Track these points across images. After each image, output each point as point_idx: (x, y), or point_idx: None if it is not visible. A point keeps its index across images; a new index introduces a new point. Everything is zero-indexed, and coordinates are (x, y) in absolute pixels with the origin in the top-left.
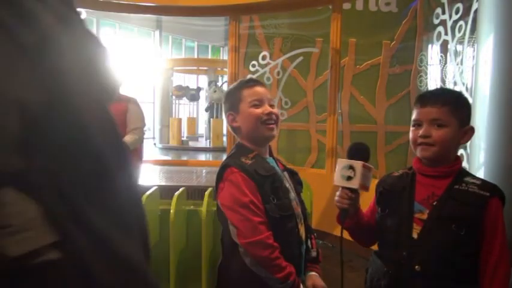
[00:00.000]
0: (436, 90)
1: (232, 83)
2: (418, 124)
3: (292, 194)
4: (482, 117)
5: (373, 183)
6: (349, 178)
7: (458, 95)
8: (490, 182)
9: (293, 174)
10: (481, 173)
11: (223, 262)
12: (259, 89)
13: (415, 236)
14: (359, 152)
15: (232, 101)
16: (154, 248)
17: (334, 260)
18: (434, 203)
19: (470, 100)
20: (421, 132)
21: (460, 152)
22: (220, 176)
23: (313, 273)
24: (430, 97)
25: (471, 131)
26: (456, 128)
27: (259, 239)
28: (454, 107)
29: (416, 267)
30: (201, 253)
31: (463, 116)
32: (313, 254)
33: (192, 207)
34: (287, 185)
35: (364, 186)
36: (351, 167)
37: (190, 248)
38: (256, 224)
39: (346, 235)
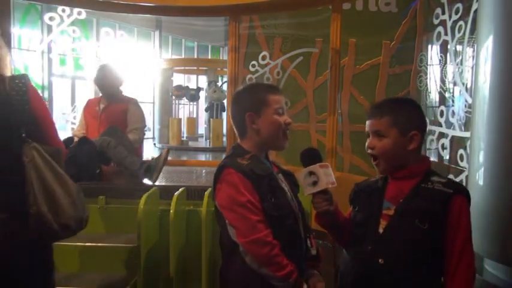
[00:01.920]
0: (381, 101)
1: (246, 84)
2: (368, 135)
3: (289, 195)
4: (481, 118)
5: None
6: (314, 183)
7: (398, 104)
8: (456, 181)
9: (289, 176)
10: (480, 173)
11: (223, 265)
12: (281, 97)
13: (381, 231)
14: (312, 156)
15: (255, 102)
16: (155, 247)
17: (333, 260)
18: (401, 200)
19: (470, 100)
20: (366, 144)
21: (460, 152)
22: (217, 177)
23: (315, 271)
24: (372, 109)
25: (416, 136)
26: (397, 137)
27: (257, 237)
28: (392, 117)
29: (380, 260)
30: (200, 253)
31: (403, 124)
32: (313, 252)
33: (191, 207)
34: (283, 185)
35: (330, 183)
36: (311, 173)
37: (190, 248)
38: (254, 223)
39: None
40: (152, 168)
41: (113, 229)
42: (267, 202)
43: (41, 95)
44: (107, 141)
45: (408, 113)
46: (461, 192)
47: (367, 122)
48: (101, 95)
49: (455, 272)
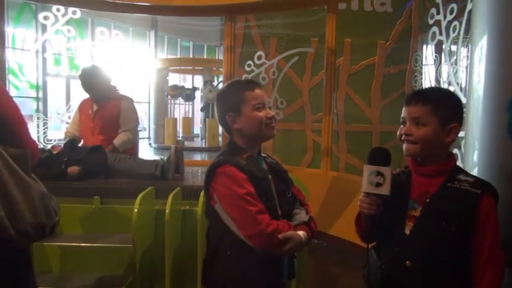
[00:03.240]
0: (423, 89)
1: (224, 85)
2: (403, 122)
3: (275, 197)
4: (475, 117)
5: None
6: (378, 184)
7: (442, 94)
8: (483, 180)
9: (277, 173)
10: (474, 173)
11: (208, 258)
12: (260, 91)
13: (407, 232)
14: (383, 157)
15: (232, 102)
16: (150, 247)
17: (329, 259)
18: (427, 200)
19: (464, 100)
20: (403, 130)
21: (454, 151)
22: (212, 172)
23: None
24: (413, 96)
25: (455, 129)
26: (437, 127)
27: (258, 230)
28: (435, 106)
29: (407, 262)
30: (196, 252)
31: (445, 114)
32: (304, 218)
33: (187, 207)
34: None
35: (390, 190)
36: (379, 173)
37: (185, 247)
38: (253, 215)
39: (342, 234)
40: (166, 166)
41: (108, 229)
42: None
43: (8, 93)
44: (114, 156)
45: (450, 104)
46: (489, 192)
47: (405, 109)
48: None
49: (483, 275)
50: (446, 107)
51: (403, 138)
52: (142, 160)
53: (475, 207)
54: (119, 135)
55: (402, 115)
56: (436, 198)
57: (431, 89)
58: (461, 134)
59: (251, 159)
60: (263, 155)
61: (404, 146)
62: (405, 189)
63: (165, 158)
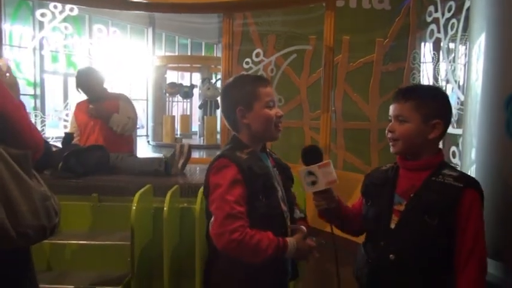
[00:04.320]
0: (408, 86)
1: (234, 77)
2: (390, 119)
3: (280, 193)
4: (473, 115)
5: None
6: (313, 183)
7: (425, 91)
8: (468, 175)
9: (284, 169)
10: (472, 170)
11: (209, 260)
12: (271, 89)
13: (392, 226)
14: (312, 154)
15: (245, 96)
16: (148, 245)
17: (326, 256)
18: (412, 195)
19: (462, 97)
20: (387, 127)
21: (453, 149)
22: (209, 167)
23: (302, 227)
24: (397, 94)
25: (439, 125)
26: (420, 123)
27: (220, 232)
28: (417, 102)
29: (391, 256)
30: (194, 250)
31: (428, 111)
32: (301, 215)
33: (185, 204)
34: (275, 183)
35: (331, 182)
36: (310, 173)
37: (183, 245)
38: (224, 216)
39: (339, 231)
40: (169, 164)
41: (106, 226)
42: (259, 201)
43: (7, 89)
44: (115, 156)
45: (433, 101)
46: (472, 186)
47: (391, 106)
48: (87, 98)
49: (465, 269)
50: (429, 103)
51: (388, 136)
52: (144, 158)
53: (458, 201)
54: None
55: (389, 113)
56: (420, 192)
57: (416, 86)
58: (459, 131)
59: (252, 154)
60: (268, 151)
61: (390, 143)
62: (391, 184)
63: (169, 154)
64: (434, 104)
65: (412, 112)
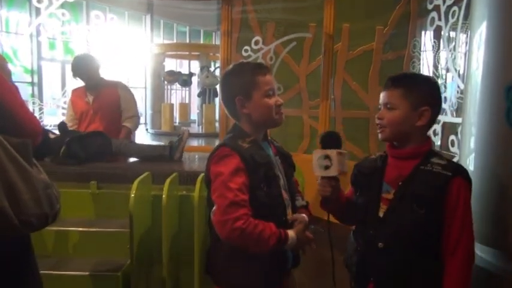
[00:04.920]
0: (397, 74)
1: (233, 65)
2: (380, 108)
3: (282, 181)
4: (473, 104)
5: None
6: (326, 167)
7: (414, 78)
8: (456, 163)
9: (286, 157)
10: (471, 159)
11: (212, 247)
12: (270, 77)
13: (381, 215)
14: (332, 140)
15: (243, 85)
16: (147, 232)
17: (325, 244)
18: (400, 183)
19: (462, 86)
20: (377, 115)
21: (451, 137)
22: (211, 156)
23: (303, 215)
24: (387, 82)
25: (427, 112)
26: (408, 111)
27: (223, 220)
28: (405, 90)
29: (380, 244)
30: (193, 238)
31: (416, 98)
32: (303, 203)
33: (184, 192)
34: (278, 172)
35: (342, 172)
36: (327, 157)
37: (182, 233)
38: (227, 203)
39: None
40: (174, 148)
41: (105, 214)
42: (260, 190)
43: (2, 77)
44: (119, 141)
45: (422, 88)
46: (460, 175)
47: (381, 94)
48: (83, 84)
49: (453, 256)
50: (417, 90)
51: (376, 122)
52: (145, 144)
53: (446, 189)
54: (128, 119)
55: (379, 101)
56: (408, 181)
57: (405, 74)
58: (458, 120)
59: (254, 143)
60: (269, 139)
61: (379, 132)
62: (380, 172)
63: (176, 139)
64: (422, 92)
65: (401, 99)
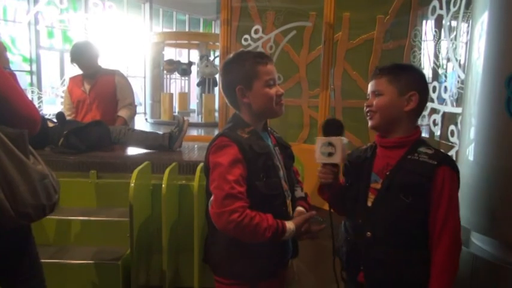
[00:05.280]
0: (384, 65)
1: (233, 54)
2: (367, 96)
3: (281, 172)
4: (474, 94)
5: None
6: (330, 154)
7: (400, 66)
8: (443, 152)
9: (285, 148)
10: (470, 149)
11: (209, 237)
12: (271, 67)
13: (369, 204)
14: (334, 127)
15: (244, 74)
16: (147, 221)
17: (324, 234)
18: (387, 173)
19: (462, 76)
20: (365, 104)
21: (451, 128)
22: (210, 145)
23: (301, 208)
24: (374, 71)
25: (414, 97)
26: (395, 96)
27: (220, 212)
28: (391, 76)
29: (368, 233)
30: (193, 227)
31: (403, 83)
32: (302, 194)
33: (184, 182)
34: (277, 162)
35: (344, 159)
36: (330, 144)
37: (182, 222)
38: (223, 196)
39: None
40: (174, 138)
41: (105, 203)
42: (259, 181)
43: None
44: (119, 130)
45: (408, 74)
46: (446, 163)
47: (369, 85)
48: (81, 72)
49: (438, 244)
50: (403, 76)
51: (366, 110)
52: (144, 132)
53: (431, 178)
54: (123, 109)
55: (367, 91)
56: (395, 170)
57: (391, 63)
58: (458, 110)
59: (253, 133)
60: (269, 129)
61: (368, 119)
62: (369, 162)
63: (175, 128)
64: (409, 77)
65: (388, 85)
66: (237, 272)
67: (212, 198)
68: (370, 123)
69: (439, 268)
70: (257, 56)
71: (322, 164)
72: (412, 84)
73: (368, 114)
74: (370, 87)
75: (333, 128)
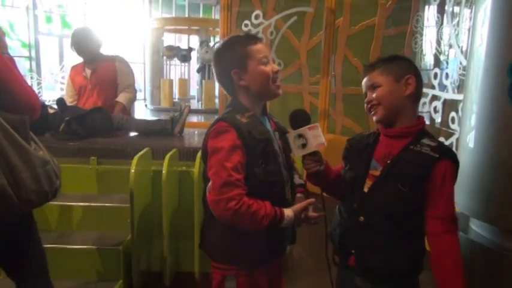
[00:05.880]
0: (369, 62)
1: (222, 41)
2: (365, 95)
3: (281, 158)
4: (475, 81)
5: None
6: (303, 145)
7: (387, 56)
8: (445, 145)
9: (284, 134)
10: (471, 136)
11: (206, 223)
12: (262, 46)
13: (366, 190)
14: (300, 118)
15: (236, 57)
16: (147, 207)
17: (321, 220)
18: (388, 162)
19: (464, 63)
20: (365, 101)
21: (452, 114)
22: (208, 131)
23: (300, 195)
24: (364, 68)
25: (411, 79)
26: (392, 84)
27: (217, 199)
28: (383, 66)
29: (361, 218)
30: (193, 213)
31: (396, 70)
32: (300, 181)
33: (184, 168)
34: (277, 148)
35: (320, 144)
36: (300, 135)
37: (182, 208)
38: (221, 183)
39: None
40: (175, 122)
41: (105, 189)
42: (258, 167)
43: None
44: (120, 116)
45: (398, 62)
46: (448, 157)
47: (363, 83)
48: (82, 60)
49: (441, 236)
50: (394, 64)
51: (368, 107)
52: (145, 119)
53: (432, 170)
54: (122, 93)
55: (363, 90)
56: (397, 160)
57: (378, 57)
58: (459, 97)
59: (253, 118)
60: (269, 113)
61: (372, 115)
62: (370, 149)
63: (177, 113)
64: (399, 64)
65: (382, 75)
66: (235, 257)
67: (210, 184)
68: (374, 118)
69: (449, 260)
70: (245, 37)
71: (302, 156)
72: (405, 68)
73: (371, 110)
74: (364, 84)
75: (299, 119)
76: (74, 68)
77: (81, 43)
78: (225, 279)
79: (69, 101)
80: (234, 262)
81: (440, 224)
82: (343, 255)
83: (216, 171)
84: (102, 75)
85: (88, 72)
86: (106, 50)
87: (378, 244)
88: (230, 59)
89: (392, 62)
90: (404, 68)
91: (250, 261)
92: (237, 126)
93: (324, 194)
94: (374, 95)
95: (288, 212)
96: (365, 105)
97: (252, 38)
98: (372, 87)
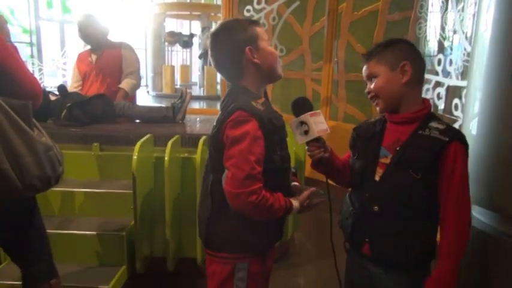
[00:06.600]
0: (368, 50)
1: (226, 22)
2: (365, 83)
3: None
4: (479, 67)
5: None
6: (306, 132)
7: (382, 44)
8: (454, 128)
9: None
10: (474, 123)
11: (213, 215)
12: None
13: (377, 179)
14: (301, 105)
15: (250, 35)
16: (150, 193)
17: (324, 206)
18: (397, 148)
19: (469, 49)
20: (365, 90)
21: (455, 101)
22: (226, 118)
23: (296, 183)
24: (362, 58)
25: (407, 66)
26: (387, 72)
27: (238, 193)
28: (378, 56)
29: (375, 207)
30: (195, 199)
31: (390, 58)
32: (293, 169)
33: (186, 154)
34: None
35: (322, 130)
36: (302, 122)
37: (184, 194)
38: (244, 176)
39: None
40: (176, 109)
41: (108, 175)
42: (276, 155)
43: (1, 38)
44: (122, 103)
45: (392, 48)
46: (457, 139)
47: (363, 70)
48: (89, 47)
49: (450, 220)
50: (388, 52)
51: (369, 97)
52: (148, 106)
53: (442, 154)
54: (125, 80)
55: (364, 79)
56: (406, 146)
57: (374, 44)
58: (463, 83)
59: (266, 104)
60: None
61: (375, 105)
62: (378, 137)
63: (178, 100)
64: (394, 51)
65: (377, 65)
66: (250, 243)
67: (227, 175)
68: (377, 109)
69: (450, 245)
70: (250, 20)
71: (305, 143)
72: (399, 55)
73: (372, 100)
74: (363, 72)
75: (301, 107)
76: (80, 55)
77: (88, 30)
78: (235, 269)
79: (73, 86)
80: (249, 249)
81: (450, 209)
82: (357, 243)
83: (237, 163)
84: (107, 62)
85: (94, 58)
86: (111, 37)
87: (393, 232)
88: (244, 36)
89: (387, 50)
90: (398, 54)
91: (263, 245)
92: (257, 115)
93: (329, 181)
94: (372, 86)
95: (295, 203)
96: (366, 93)
97: (256, 22)
98: (370, 77)
